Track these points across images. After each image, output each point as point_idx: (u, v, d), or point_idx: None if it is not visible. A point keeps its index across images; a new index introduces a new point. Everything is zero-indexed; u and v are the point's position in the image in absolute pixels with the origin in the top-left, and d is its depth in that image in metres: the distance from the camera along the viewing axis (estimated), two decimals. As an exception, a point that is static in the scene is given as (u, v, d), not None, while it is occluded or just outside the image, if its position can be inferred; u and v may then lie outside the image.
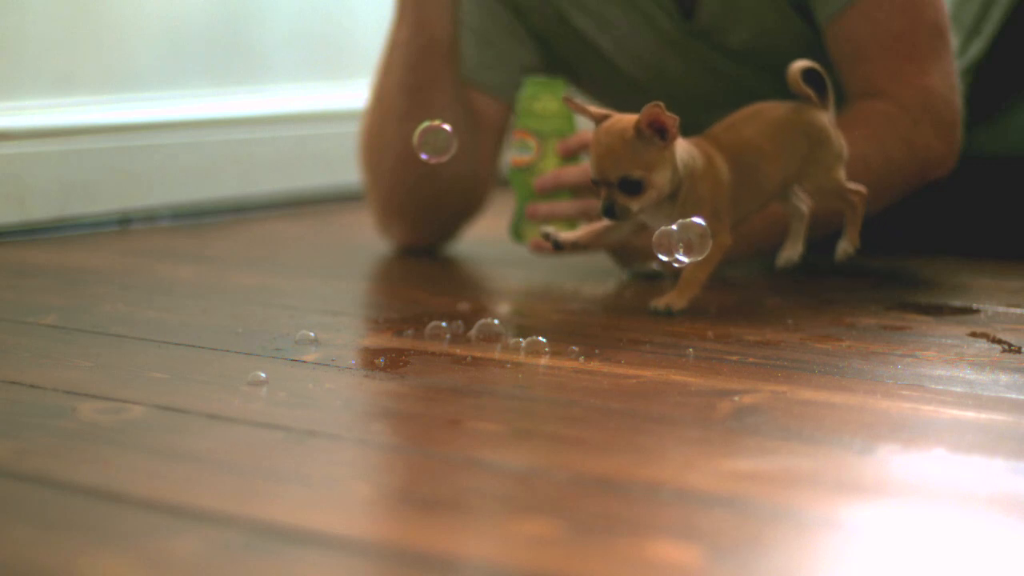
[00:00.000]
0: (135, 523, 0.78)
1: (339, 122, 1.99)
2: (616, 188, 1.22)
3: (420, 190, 1.58)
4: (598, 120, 1.24)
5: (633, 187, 1.22)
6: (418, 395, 1.05)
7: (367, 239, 1.68)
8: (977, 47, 1.68)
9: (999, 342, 1.21)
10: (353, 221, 1.85)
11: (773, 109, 1.31)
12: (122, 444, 0.92)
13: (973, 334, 1.24)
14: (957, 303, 1.38)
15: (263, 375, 1.06)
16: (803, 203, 1.32)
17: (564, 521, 0.79)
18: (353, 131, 1.68)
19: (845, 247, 1.33)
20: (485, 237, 1.68)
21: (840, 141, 1.32)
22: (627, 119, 1.23)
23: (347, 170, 1.83)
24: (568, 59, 1.64)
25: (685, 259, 1.17)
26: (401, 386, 1.07)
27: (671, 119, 1.21)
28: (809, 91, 1.29)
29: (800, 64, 1.29)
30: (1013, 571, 0.75)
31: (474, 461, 0.91)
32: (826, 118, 1.31)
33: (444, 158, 1.26)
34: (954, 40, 1.53)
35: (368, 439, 0.97)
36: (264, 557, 0.74)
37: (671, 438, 0.96)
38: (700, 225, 1.17)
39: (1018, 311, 1.34)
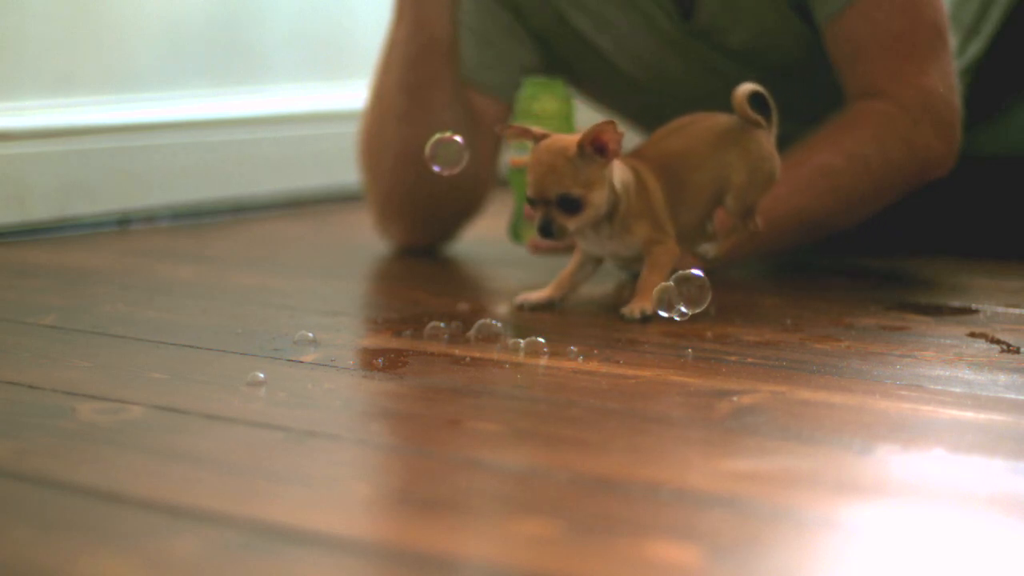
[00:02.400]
0: (134, 523, 0.79)
1: (339, 122, 1.99)
2: (554, 206, 1.23)
3: (419, 190, 1.58)
4: (537, 139, 1.25)
5: (572, 205, 1.23)
6: (417, 395, 1.05)
7: (366, 239, 1.68)
8: (976, 47, 1.68)
9: (998, 342, 1.21)
10: (352, 221, 1.86)
11: (706, 120, 1.32)
12: (121, 444, 0.92)
13: (972, 334, 1.24)
14: (956, 303, 1.38)
15: (262, 375, 1.06)
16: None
17: (563, 521, 0.80)
18: (352, 131, 1.68)
19: (708, 249, 1.32)
20: (484, 237, 1.68)
21: (776, 165, 1.32)
22: (567, 138, 1.24)
23: (346, 170, 1.83)
24: (568, 59, 1.64)
25: (687, 311, 1.17)
26: (400, 386, 1.07)
27: (613, 137, 1.22)
28: (754, 116, 1.30)
29: (746, 88, 1.30)
30: (1013, 571, 0.75)
31: (473, 461, 0.91)
32: (765, 138, 1.31)
33: (456, 170, 1.27)
34: (953, 40, 1.53)
35: (367, 439, 0.97)
36: (263, 557, 0.74)
37: (670, 438, 0.96)
38: (699, 277, 1.16)
39: (1017, 311, 1.34)
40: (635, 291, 1.29)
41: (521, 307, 1.31)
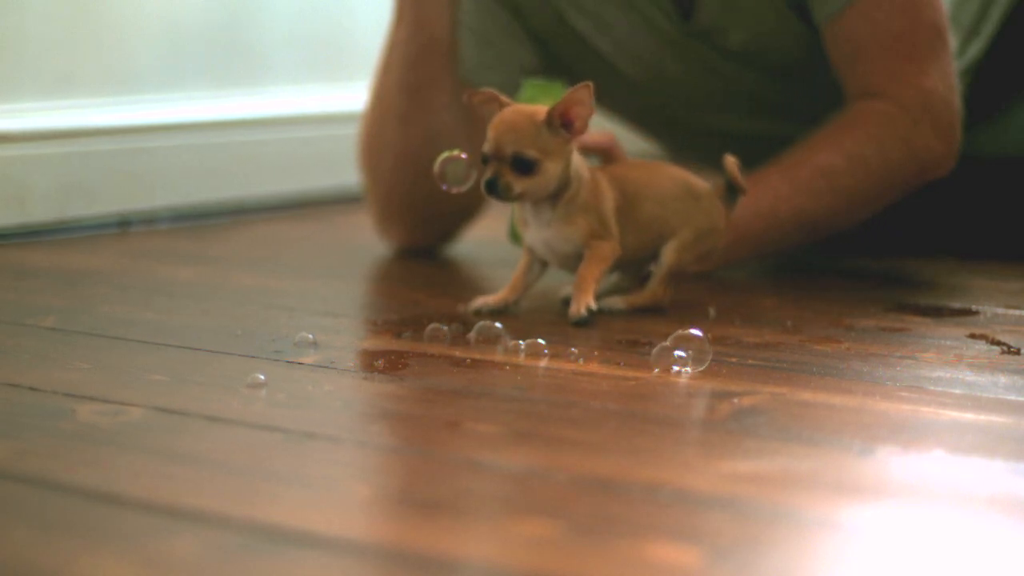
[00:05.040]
0: (134, 524, 0.79)
1: (339, 124, 1.99)
2: (507, 165, 1.23)
3: (419, 191, 1.58)
4: (503, 107, 1.26)
5: (525, 166, 1.23)
6: (417, 397, 1.05)
7: (366, 240, 1.68)
8: (976, 47, 1.68)
9: (998, 343, 1.21)
10: (352, 222, 1.86)
11: (680, 169, 1.33)
12: (121, 446, 0.92)
13: (972, 335, 1.24)
14: (956, 304, 1.38)
15: (262, 377, 1.06)
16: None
17: (563, 522, 0.80)
18: (352, 133, 1.68)
19: (616, 302, 1.31)
20: (484, 238, 1.68)
21: (720, 245, 1.33)
22: (537, 106, 1.25)
23: (346, 171, 1.83)
24: (567, 60, 1.64)
25: (690, 370, 1.15)
26: (400, 388, 1.07)
27: (581, 116, 1.23)
28: (742, 183, 1.30)
29: (734, 158, 1.31)
30: (1013, 572, 0.75)
31: (473, 462, 0.91)
32: (726, 214, 1.32)
33: (464, 187, 1.29)
34: (953, 40, 1.53)
35: (367, 441, 0.97)
36: (263, 558, 0.74)
37: (670, 439, 0.96)
38: (697, 336, 1.15)
39: (1017, 312, 1.34)
40: (574, 287, 1.27)
41: (479, 312, 1.30)
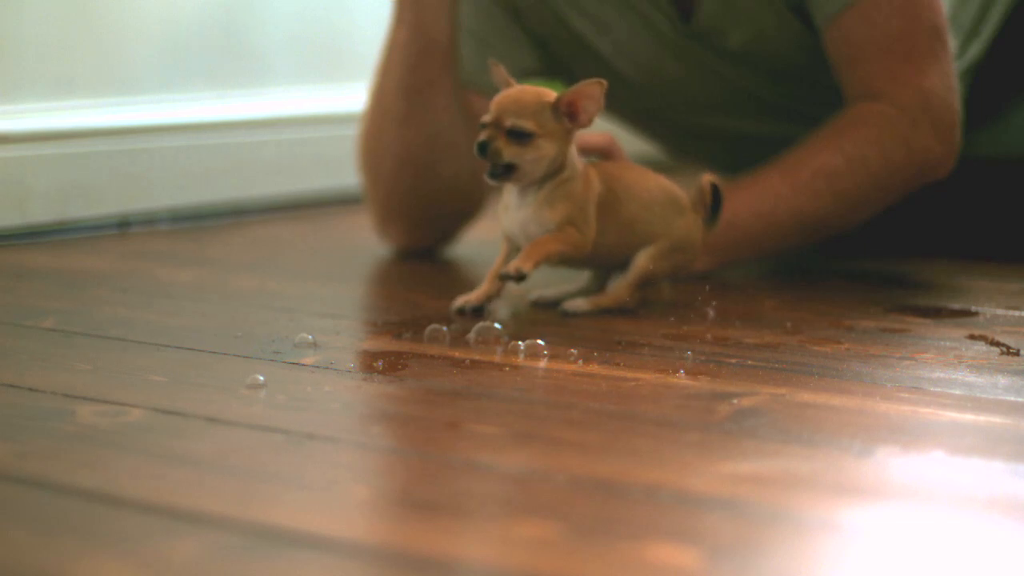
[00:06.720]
0: (134, 526, 0.79)
1: (338, 125, 1.99)
2: (503, 133, 1.23)
3: (419, 192, 1.58)
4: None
5: (521, 137, 1.24)
6: (417, 398, 1.05)
7: (366, 242, 1.68)
8: (976, 48, 1.68)
9: (998, 344, 1.21)
10: (352, 224, 1.86)
11: (668, 181, 1.33)
12: (121, 447, 0.92)
13: (972, 336, 1.24)
14: (956, 305, 1.38)
15: (262, 378, 1.06)
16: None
17: (563, 524, 0.80)
18: (352, 134, 1.68)
19: (581, 304, 1.31)
20: (484, 239, 1.68)
21: (693, 262, 1.34)
22: (548, 90, 1.26)
23: (346, 173, 1.83)
24: (567, 62, 1.64)
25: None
26: (400, 389, 1.07)
27: (587, 109, 1.24)
28: (708, 204, 1.32)
29: (710, 177, 1.32)
30: (1013, 572, 0.75)
31: (473, 464, 0.91)
32: (704, 232, 1.33)
33: None
34: (953, 42, 1.53)
35: (367, 442, 0.97)
36: (263, 560, 0.74)
37: (670, 441, 0.96)
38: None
39: (1017, 313, 1.34)
40: (524, 248, 1.27)
41: (462, 311, 1.30)
